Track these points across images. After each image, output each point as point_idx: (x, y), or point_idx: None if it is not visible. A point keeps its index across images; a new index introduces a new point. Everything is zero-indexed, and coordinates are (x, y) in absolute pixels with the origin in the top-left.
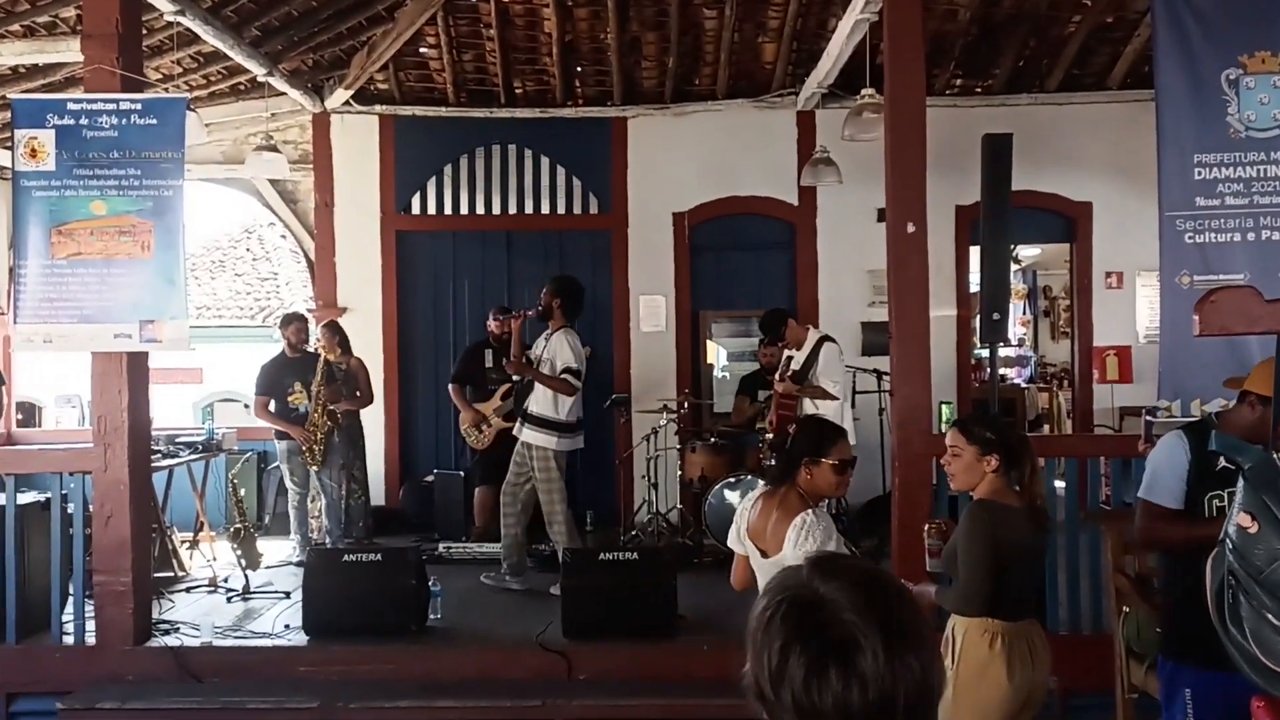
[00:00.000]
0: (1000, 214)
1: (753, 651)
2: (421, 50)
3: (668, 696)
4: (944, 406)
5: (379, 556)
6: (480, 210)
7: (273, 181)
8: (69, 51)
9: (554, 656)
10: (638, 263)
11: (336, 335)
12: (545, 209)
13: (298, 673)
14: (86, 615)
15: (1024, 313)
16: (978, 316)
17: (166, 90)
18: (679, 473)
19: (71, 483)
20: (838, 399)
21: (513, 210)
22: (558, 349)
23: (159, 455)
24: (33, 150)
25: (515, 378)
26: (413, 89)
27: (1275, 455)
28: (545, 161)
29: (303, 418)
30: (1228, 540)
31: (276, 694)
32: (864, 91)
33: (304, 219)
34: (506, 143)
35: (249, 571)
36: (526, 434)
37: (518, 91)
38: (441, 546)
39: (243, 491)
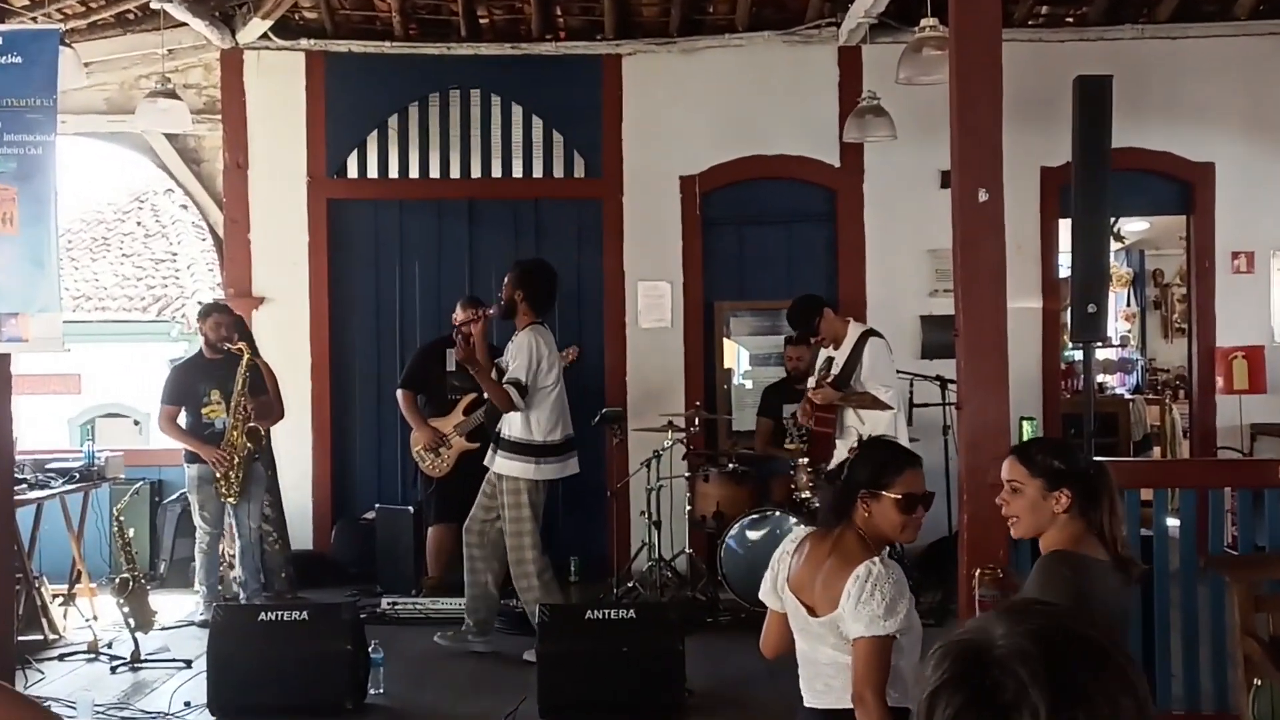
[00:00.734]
0: (1097, 178)
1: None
2: None
3: None
4: (1025, 424)
5: (305, 615)
6: (435, 174)
7: (170, 137)
8: None
9: None
10: (636, 240)
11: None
12: (518, 172)
13: None
14: None
15: (1128, 304)
16: (1068, 309)
17: (34, 20)
18: (688, 508)
19: None
20: (891, 409)
21: (476, 173)
22: (514, 353)
23: (24, 486)
24: None
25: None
26: (349, 19)
27: None
28: (518, 111)
29: (219, 435)
30: None
31: None
32: (924, 22)
33: (210, 184)
34: (468, 87)
35: (139, 634)
36: (499, 463)
37: (483, 22)
38: (385, 602)
39: (131, 532)
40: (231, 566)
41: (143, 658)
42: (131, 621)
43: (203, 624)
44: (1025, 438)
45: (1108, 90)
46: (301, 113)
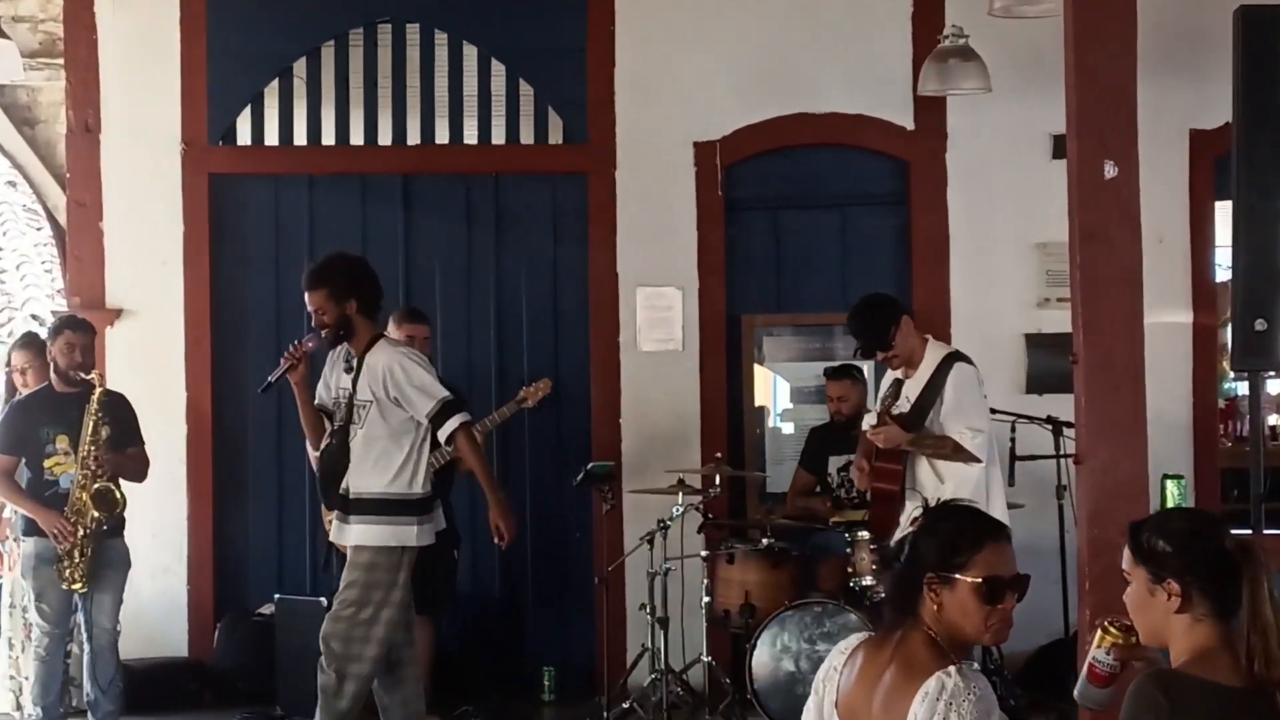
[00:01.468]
0: (1266, 145)
1: None
2: None
3: None
4: (1170, 484)
5: None
6: (358, 139)
7: None
8: None
9: None
10: (634, 230)
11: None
12: (472, 137)
13: None
14: None
15: None
16: (1228, 324)
17: None
18: (705, 599)
19: None
20: (979, 461)
21: (415, 138)
22: (393, 373)
23: None
24: None
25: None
26: None
27: None
28: (471, 54)
29: (63, 496)
30: None
31: None
32: None
33: (48, 154)
34: (403, 21)
35: None
36: (357, 533)
37: None
38: None
39: None
40: (74, 682)
41: None
42: None
43: None
44: (1171, 503)
45: None
46: (175, 56)
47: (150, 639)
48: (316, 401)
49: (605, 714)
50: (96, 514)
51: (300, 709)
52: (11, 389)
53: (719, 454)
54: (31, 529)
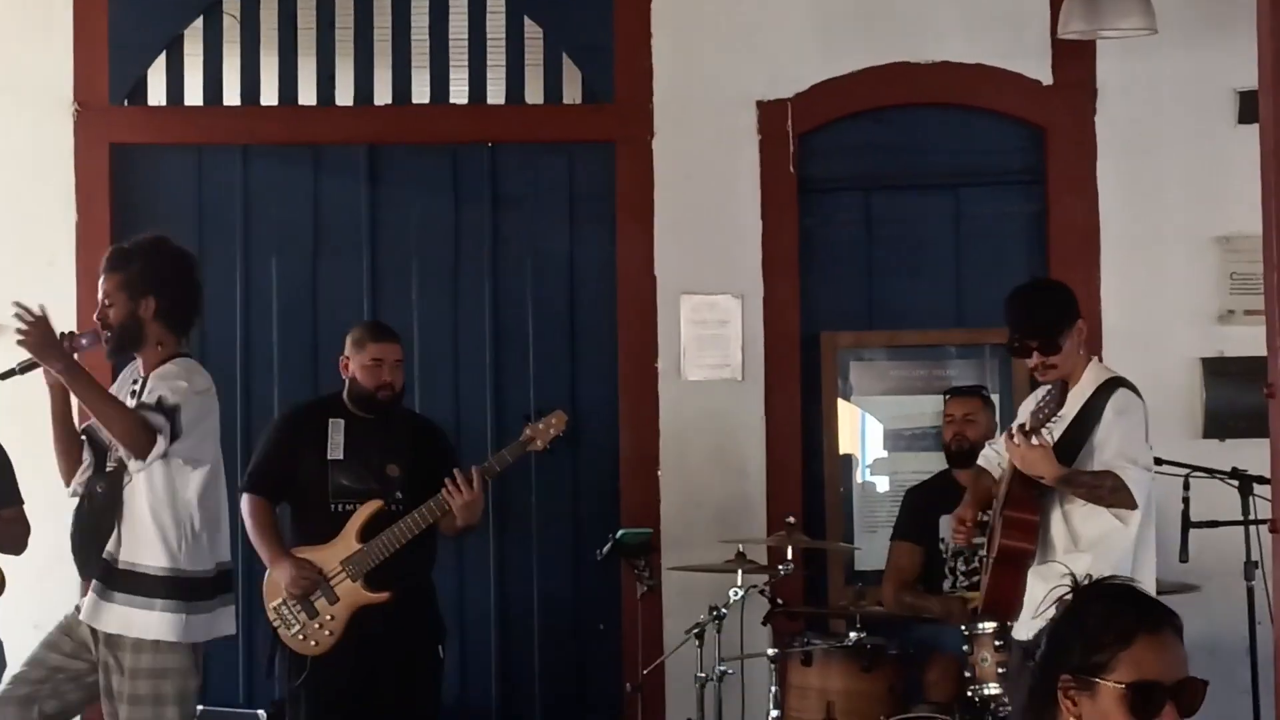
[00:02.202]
0: None
1: None
2: None
3: None
4: None
5: None
6: (309, 99)
7: None
8: None
9: None
10: (677, 218)
11: None
12: (460, 95)
13: None
14: None
15: None
16: None
17: None
18: (774, 714)
19: None
20: (1136, 508)
21: (384, 98)
22: (162, 377)
23: None
24: None
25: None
26: None
27: None
28: None
29: None
30: None
31: None
32: None
33: None
34: None
35: None
36: (114, 616)
37: None
38: None
39: None
40: None
41: None
42: None
43: None
44: None
45: None
46: None
47: None
48: (86, 424)
49: None
50: None
51: None
52: None
53: (791, 518)
54: None
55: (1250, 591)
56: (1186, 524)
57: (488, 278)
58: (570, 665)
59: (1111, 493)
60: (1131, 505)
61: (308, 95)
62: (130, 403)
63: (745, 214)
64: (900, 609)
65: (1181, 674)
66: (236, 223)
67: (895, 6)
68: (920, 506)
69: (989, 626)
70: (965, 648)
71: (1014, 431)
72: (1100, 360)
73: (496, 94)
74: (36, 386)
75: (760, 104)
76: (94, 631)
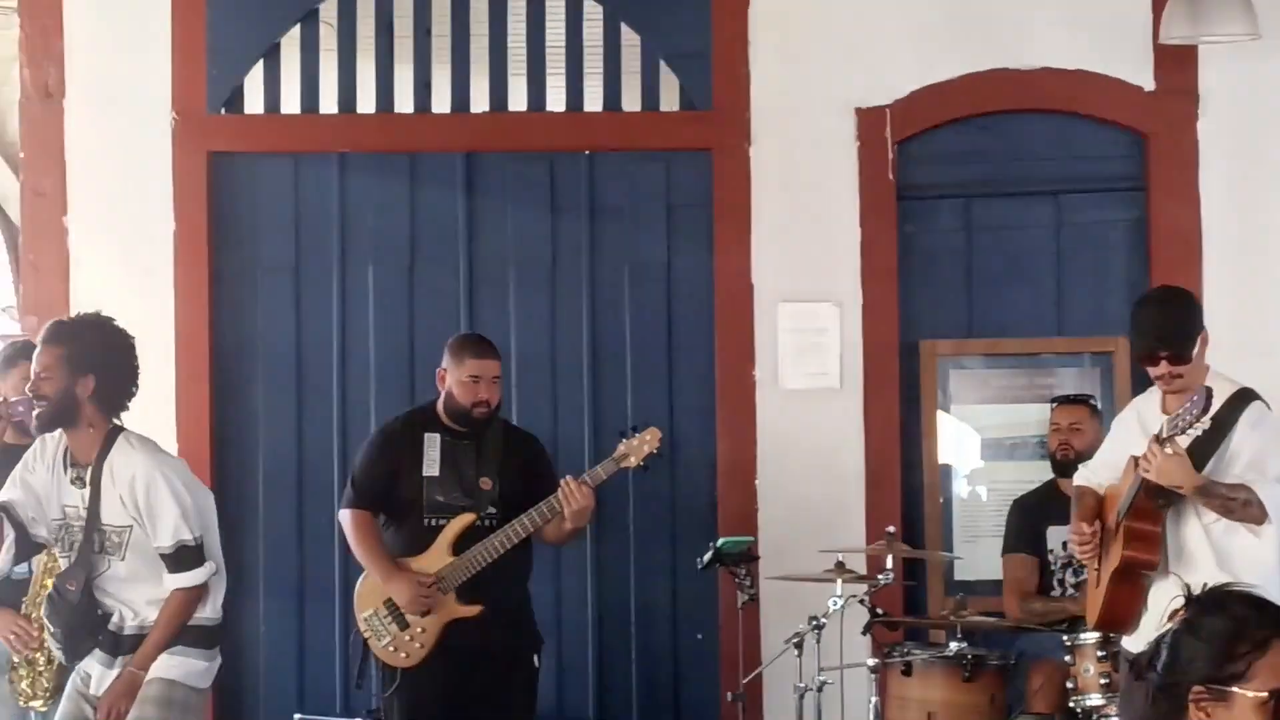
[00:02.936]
0: None
1: None
2: None
3: None
4: None
5: None
6: (406, 107)
7: None
8: None
9: None
10: (775, 226)
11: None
12: (557, 103)
13: None
14: None
15: None
16: None
17: None
18: None
19: None
20: (1269, 521)
21: (481, 106)
22: (135, 488)
23: None
24: None
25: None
26: None
27: None
28: None
29: (19, 583)
30: None
31: None
32: None
33: None
34: None
35: None
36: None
37: None
38: None
39: None
40: None
41: None
42: None
43: None
44: None
45: None
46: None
47: None
48: (2, 499)
49: None
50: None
51: None
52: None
53: (891, 528)
54: None
55: None
56: None
57: (585, 286)
58: (667, 675)
59: (1243, 506)
60: (1261, 519)
61: (404, 103)
62: (75, 492)
63: (844, 221)
64: (1031, 617)
65: None
66: (333, 231)
67: (995, 12)
68: (1028, 518)
69: (1091, 637)
70: (1067, 658)
71: (1152, 446)
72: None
73: (594, 101)
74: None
75: (859, 111)
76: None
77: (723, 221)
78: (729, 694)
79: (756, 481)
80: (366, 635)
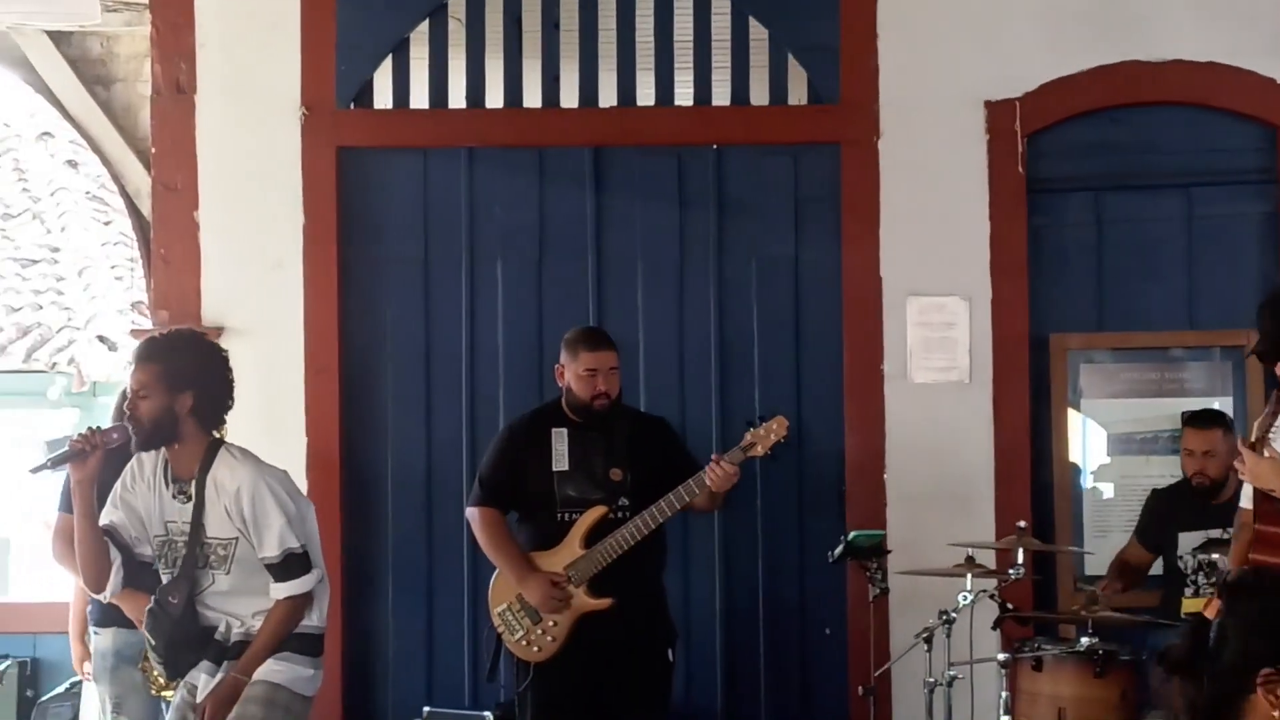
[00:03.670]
0: None
1: None
2: None
3: None
4: None
5: None
6: (534, 101)
7: (58, 38)
8: None
9: None
10: (904, 219)
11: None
12: (685, 97)
13: None
14: None
15: None
16: None
17: None
18: (1004, 719)
19: None
20: None
21: (609, 100)
22: (240, 500)
23: None
24: None
25: (623, 497)
26: None
27: None
28: None
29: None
30: None
31: None
32: None
33: (127, 123)
34: None
35: None
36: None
37: None
38: None
39: None
40: None
41: None
42: None
43: None
44: None
45: None
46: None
47: None
48: (104, 522)
49: None
50: None
51: None
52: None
53: (1021, 522)
54: (109, 618)
55: None
56: None
57: (713, 280)
58: (795, 668)
59: None
60: None
61: (533, 98)
62: (178, 506)
63: (973, 215)
64: (1110, 598)
65: None
66: (461, 226)
67: (1126, 4)
68: (1161, 516)
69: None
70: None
71: (1241, 445)
72: None
73: (722, 96)
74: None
75: (988, 104)
76: None
77: (851, 215)
78: (860, 688)
79: (885, 476)
80: (500, 630)
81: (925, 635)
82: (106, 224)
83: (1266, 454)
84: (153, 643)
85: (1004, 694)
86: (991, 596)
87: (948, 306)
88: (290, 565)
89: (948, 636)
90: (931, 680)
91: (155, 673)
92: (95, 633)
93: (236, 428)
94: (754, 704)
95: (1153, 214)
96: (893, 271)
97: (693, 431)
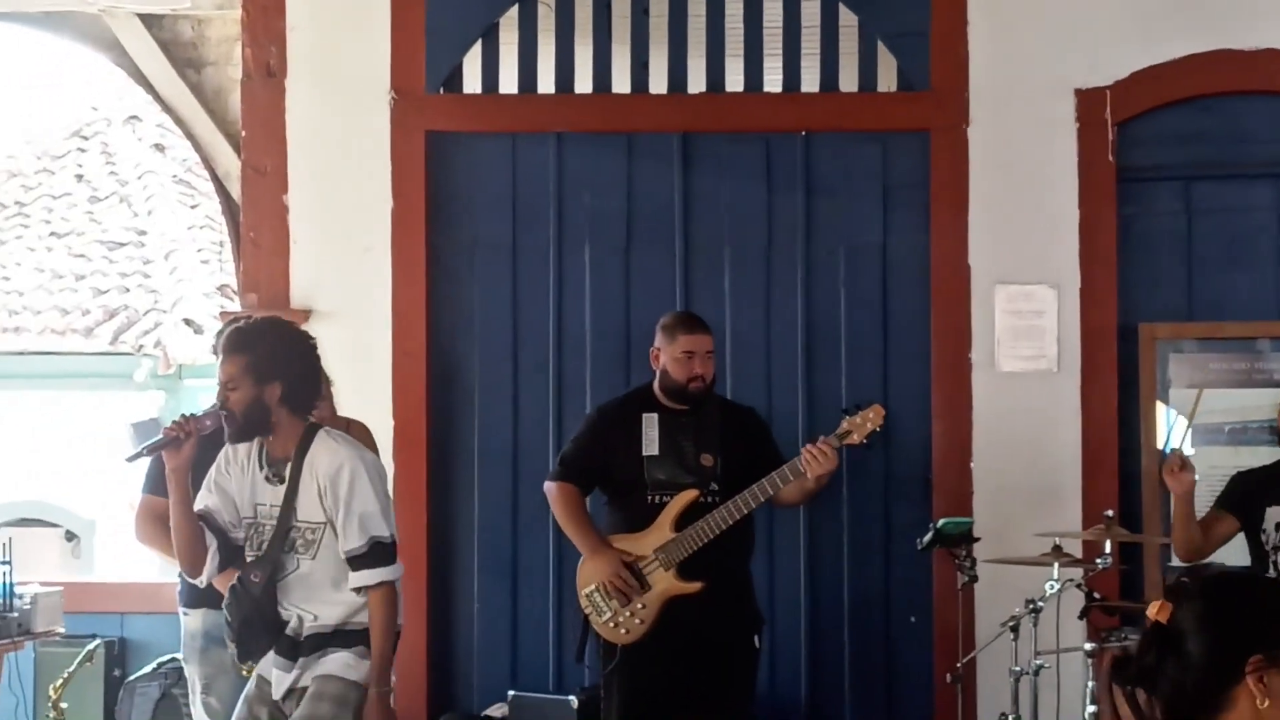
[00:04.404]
0: None
1: None
2: None
3: None
4: None
5: None
6: (623, 87)
7: (149, 20)
8: None
9: None
10: (993, 207)
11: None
12: (774, 82)
13: None
14: None
15: None
16: None
17: None
18: (1090, 709)
19: None
20: None
21: (698, 86)
22: (336, 483)
23: None
24: None
25: (713, 482)
26: None
27: None
28: None
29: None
30: None
31: None
32: None
33: (217, 106)
34: None
35: None
36: (326, 665)
37: None
38: None
39: None
40: None
41: None
42: None
43: None
44: None
45: None
46: None
47: None
48: (199, 507)
49: None
50: None
51: None
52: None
53: (1109, 512)
54: (198, 599)
55: None
56: None
57: (800, 267)
58: (880, 657)
59: None
60: None
61: (622, 83)
62: (270, 489)
63: (1062, 203)
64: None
65: None
66: (550, 211)
67: None
68: (1249, 489)
69: None
70: None
71: None
72: None
73: (811, 82)
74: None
75: (1079, 92)
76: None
77: (939, 202)
78: (947, 675)
79: (971, 464)
80: (587, 611)
81: (1011, 624)
82: (193, 207)
83: None
84: (229, 619)
85: (1090, 683)
86: (1078, 586)
87: (1036, 295)
88: (379, 553)
89: (1034, 625)
90: (1017, 669)
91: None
92: (185, 613)
93: (347, 394)
94: (838, 691)
95: (1243, 203)
96: (981, 259)
97: (779, 418)
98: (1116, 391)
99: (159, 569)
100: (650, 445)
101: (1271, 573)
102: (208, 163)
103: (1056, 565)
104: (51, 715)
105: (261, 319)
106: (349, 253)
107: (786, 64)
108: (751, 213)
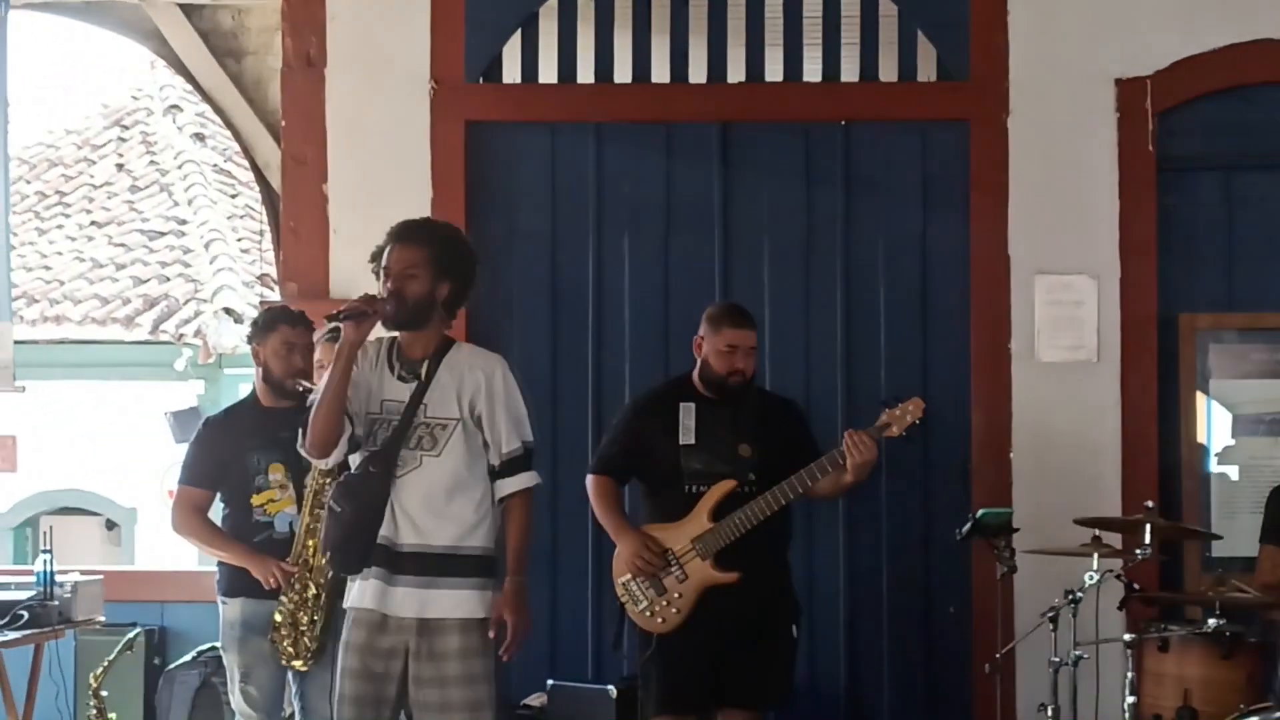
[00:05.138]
0: None
1: None
2: None
3: None
4: None
5: None
6: (662, 75)
7: (190, 10)
8: None
9: None
10: (1032, 197)
11: (302, 342)
12: (813, 72)
13: None
14: None
15: None
16: None
17: None
18: (1130, 700)
19: None
20: None
21: (737, 76)
22: (492, 386)
23: None
24: None
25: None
26: None
27: None
28: None
29: (283, 544)
30: None
31: None
32: None
33: (257, 96)
34: None
35: None
36: (444, 602)
37: None
38: None
39: (114, 717)
40: None
41: None
42: None
43: None
44: None
45: None
46: None
47: None
48: None
49: None
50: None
51: None
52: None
53: (1149, 502)
54: (236, 588)
55: None
56: None
57: (839, 257)
58: (918, 646)
59: None
60: None
61: (661, 73)
62: (400, 385)
63: (1102, 193)
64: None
65: None
66: (589, 200)
67: None
68: None
69: None
70: None
71: None
72: None
73: (850, 72)
74: None
75: (1119, 82)
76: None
77: (979, 193)
78: (986, 665)
79: (1011, 454)
80: (623, 600)
81: (1051, 615)
82: (233, 197)
83: None
84: (336, 510)
85: (1129, 674)
86: (1118, 577)
87: (1076, 285)
88: (527, 458)
89: (1074, 616)
90: (1057, 660)
91: (285, 644)
92: (223, 602)
93: None
94: (877, 681)
95: None
96: (1021, 249)
97: (818, 409)
98: (1156, 382)
99: (199, 558)
100: (687, 435)
101: None
102: (248, 152)
103: (1096, 556)
104: (92, 703)
105: (442, 221)
106: None
107: (826, 53)
108: (790, 203)
